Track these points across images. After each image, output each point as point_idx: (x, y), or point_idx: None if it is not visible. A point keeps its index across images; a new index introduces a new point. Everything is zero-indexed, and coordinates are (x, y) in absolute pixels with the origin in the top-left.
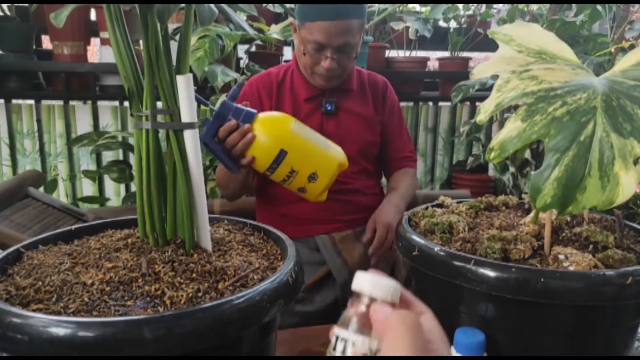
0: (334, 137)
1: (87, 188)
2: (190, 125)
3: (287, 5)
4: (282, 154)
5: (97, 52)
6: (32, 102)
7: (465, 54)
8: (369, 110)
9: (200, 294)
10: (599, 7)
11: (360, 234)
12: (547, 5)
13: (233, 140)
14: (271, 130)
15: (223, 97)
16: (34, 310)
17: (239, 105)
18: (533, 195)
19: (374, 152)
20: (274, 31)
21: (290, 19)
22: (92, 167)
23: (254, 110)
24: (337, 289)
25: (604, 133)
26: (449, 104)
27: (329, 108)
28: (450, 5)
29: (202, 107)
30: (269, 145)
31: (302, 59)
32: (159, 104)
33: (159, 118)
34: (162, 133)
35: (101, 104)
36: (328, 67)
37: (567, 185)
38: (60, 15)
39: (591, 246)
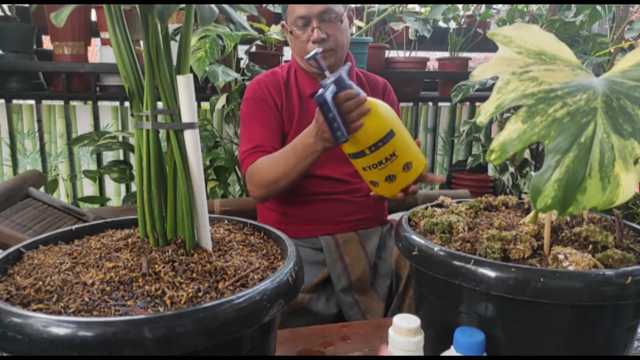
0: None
1: (88, 188)
2: (190, 125)
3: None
4: (390, 135)
5: (98, 52)
6: (32, 102)
7: (464, 54)
8: None
9: (200, 294)
10: (598, 7)
11: (365, 238)
12: (547, 6)
13: (349, 106)
14: (384, 111)
15: (341, 70)
16: (34, 310)
17: (353, 83)
18: (534, 196)
19: None
20: (274, 31)
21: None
22: (93, 167)
23: (364, 93)
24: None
25: (605, 134)
26: (448, 104)
27: None
28: (449, 5)
29: (203, 107)
30: (381, 123)
31: (296, 49)
32: (160, 104)
33: (160, 118)
34: (162, 133)
35: (102, 104)
36: (317, 37)
37: (568, 186)
38: (61, 15)
39: (591, 246)
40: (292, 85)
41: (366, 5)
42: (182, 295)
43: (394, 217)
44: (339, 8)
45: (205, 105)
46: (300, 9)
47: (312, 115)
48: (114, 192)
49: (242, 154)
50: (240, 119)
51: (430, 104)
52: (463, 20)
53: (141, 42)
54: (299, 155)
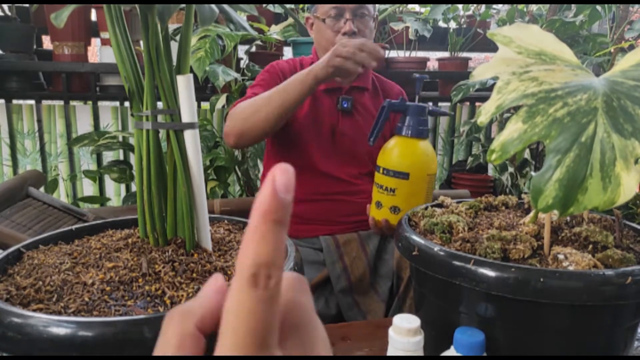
0: (348, 135)
1: (88, 188)
2: (190, 125)
3: (287, 6)
4: (403, 175)
5: (98, 53)
6: (32, 102)
7: (464, 54)
8: None
9: None
10: (598, 7)
11: (365, 239)
12: (547, 6)
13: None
14: (420, 156)
15: (427, 105)
16: (34, 310)
17: (427, 120)
18: (534, 196)
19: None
20: (274, 31)
21: (291, 18)
22: (93, 167)
23: (429, 133)
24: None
25: (605, 134)
26: (448, 104)
27: (345, 106)
28: (449, 5)
29: (203, 107)
30: (406, 161)
31: (323, 41)
32: (160, 104)
33: (160, 118)
34: (162, 133)
35: (102, 104)
36: (349, 29)
37: (569, 186)
38: (61, 16)
39: (591, 246)
40: None
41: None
42: (182, 295)
43: None
44: (371, 7)
45: (205, 105)
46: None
47: (323, 109)
48: (114, 192)
49: (233, 104)
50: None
51: (430, 104)
52: (463, 20)
53: (141, 42)
54: (287, 83)
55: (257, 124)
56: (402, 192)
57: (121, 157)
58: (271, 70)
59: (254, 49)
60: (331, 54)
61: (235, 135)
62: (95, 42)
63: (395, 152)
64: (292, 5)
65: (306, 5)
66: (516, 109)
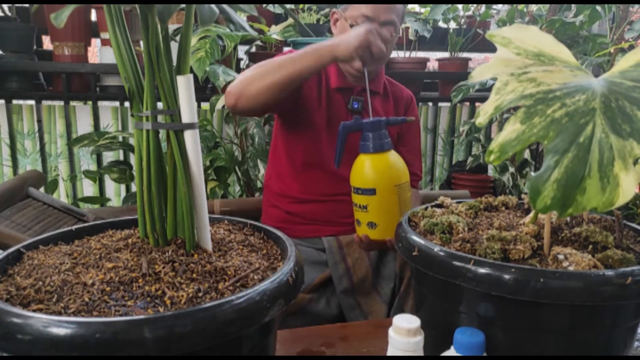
0: (356, 135)
1: (88, 188)
2: (190, 126)
3: (287, 6)
4: (370, 191)
5: (98, 53)
6: (32, 102)
7: (464, 55)
8: (389, 116)
9: (200, 294)
10: (598, 7)
11: None
12: (547, 6)
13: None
14: (383, 170)
15: (382, 119)
16: (34, 311)
17: (387, 133)
18: (533, 197)
19: None
20: (274, 32)
21: (291, 18)
22: (93, 167)
23: (391, 144)
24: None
25: (603, 134)
26: (448, 104)
27: (355, 106)
28: (449, 5)
29: (203, 107)
30: (370, 177)
31: None
32: (160, 104)
33: (160, 118)
34: (162, 133)
35: (102, 104)
36: None
37: (567, 186)
38: (61, 16)
39: (591, 246)
40: (321, 72)
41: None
42: (182, 296)
43: None
44: (398, 20)
45: (205, 105)
46: (368, 9)
47: (335, 107)
48: (114, 192)
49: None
50: None
51: (430, 104)
52: (463, 20)
53: (141, 42)
54: (303, 52)
55: (260, 88)
56: (374, 207)
57: (121, 158)
58: (286, 53)
59: (254, 49)
60: (363, 41)
61: (235, 95)
62: (95, 42)
63: (360, 170)
64: (292, 6)
65: (306, 5)
66: (516, 109)
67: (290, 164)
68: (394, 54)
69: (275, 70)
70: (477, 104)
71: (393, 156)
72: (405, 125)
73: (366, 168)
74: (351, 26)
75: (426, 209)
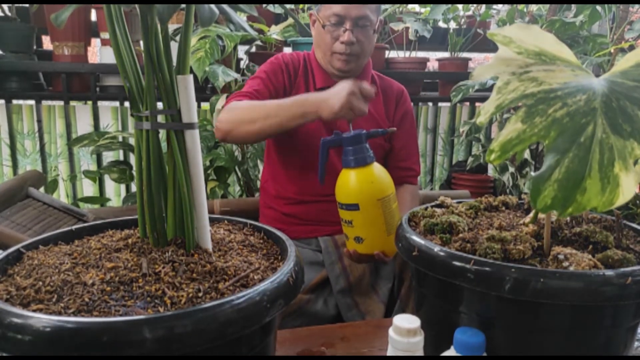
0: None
1: (88, 188)
2: (190, 126)
3: (287, 6)
4: (354, 207)
5: (98, 53)
6: (32, 102)
7: (464, 55)
8: (379, 113)
9: (200, 294)
10: (598, 7)
11: None
12: (547, 6)
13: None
14: (364, 185)
15: (363, 132)
16: (34, 311)
17: (368, 146)
18: (533, 196)
19: (381, 157)
20: (274, 32)
21: (291, 18)
22: (93, 167)
23: (374, 157)
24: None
25: (604, 134)
26: (448, 104)
27: None
28: (449, 5)
29: (203, 107)
30: (352, 192)
31: (322, 44)
32: (160, 104)
33: (160, 118)
34: (162, 133)
35: (101, 104)
36: (347, 39)
37: (568, 186)
38: (61, 16)
39: (591, 246)
40: (307, 72)
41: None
42: (182, 296)
43: None
44: (373, 16)
45: (205, 105)
46: (338, 8)
47: None
48: (114, 192)
49: (233, 94)
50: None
51: (430, 104)
52: (463, 20)
53: (141, 42)
54: (289, 106)
55: (249, 132)
56: (358, 222)
57: (121, 158)
58: (274, 62)
59: (254, 49)
60: (344, 103)
61: (224, 133)
62: (95, 42)
63: (342, 185)
64: (292, 6)
65: (307, 5)
66: (517, 109)
67: (285, 166)
68: (394, 54)
69: (263, 118)
70: (477, 104)
71: (376, 169)
72: (397, 120)
73: (348, 183)
74: (324, 26)
75: (426, 209)
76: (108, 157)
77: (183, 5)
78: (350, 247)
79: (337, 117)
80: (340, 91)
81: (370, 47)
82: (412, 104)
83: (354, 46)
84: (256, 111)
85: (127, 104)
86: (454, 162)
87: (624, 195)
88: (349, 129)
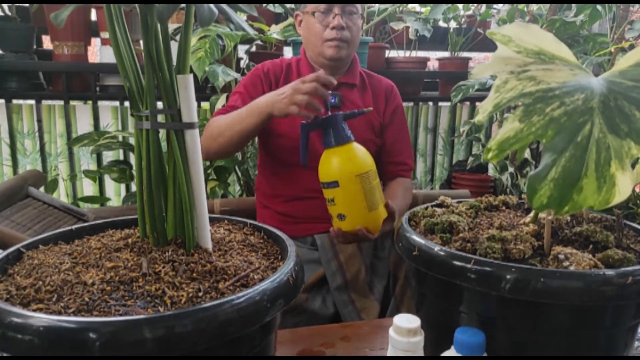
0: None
1: (88, 188)
2: (190, 125)
3: (287, 6)
4: (334, 184)
5: (98, 52)
6: (32, 102)
7: (465, 54)
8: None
9: (200, 294)
10: (598, 7)
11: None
12: (547, 5)
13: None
14: (342, 162)
15: (339, 113)
16: (34, 310)
17: (346, 126)
18: (530, 195)
19: (373, 153)
20: (274, 31)
21: (291, 18)
22: (93, 167)
23: (352, 137)
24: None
25: (601, 134)
26: (448, 104)
27: (333, 101)
28: (450, 5)
29: (203, 107)
30: (331, 170)
31: (312, 36)
32: (160, 104)
33: (159, 118)
34: (162, 133)
35: (101, 104)
36: (337, 23)
37: (564, 185)
38: (61, 16)
39: (591, 246)
40: (293, 75)
41: (366, 5)
42: (182, 295)
43: None
44: (359, 6)
45: (205, 105)
46: None
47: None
48: (114, 192)
49: (215, 113)
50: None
51: (431, 104)
52: (463, 20)
53: (141, 42)
54: (248, 110)
55: (222, 144)
56: (340, 199)
57: (121, 157)
58: (253, 74)
59: (254, 48)
60: (292, 91)
61: (205, 151)
62: (95, 42)
63: (323, 164)
64: (292, 5)
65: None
66: (516, 108)
67: (275, 165)
68: (394, 54)
69: (229, 128)
70: (477, 103)
71: (354, 147)
72: (388, 115)
73: (328, 162)
74: (313, 14)
75: (426, 208)
76: (108, 156)
77: (183, 5)
78: (335, 225)
79: (285, 112)
80: (284, 88)
81: (358, 37)
82: (401, 98)
83: (345, 32)
84: (222, 124)
85: (127, 103)
86: (454, 161)
87: (620, 194)
88: (345, 109)
